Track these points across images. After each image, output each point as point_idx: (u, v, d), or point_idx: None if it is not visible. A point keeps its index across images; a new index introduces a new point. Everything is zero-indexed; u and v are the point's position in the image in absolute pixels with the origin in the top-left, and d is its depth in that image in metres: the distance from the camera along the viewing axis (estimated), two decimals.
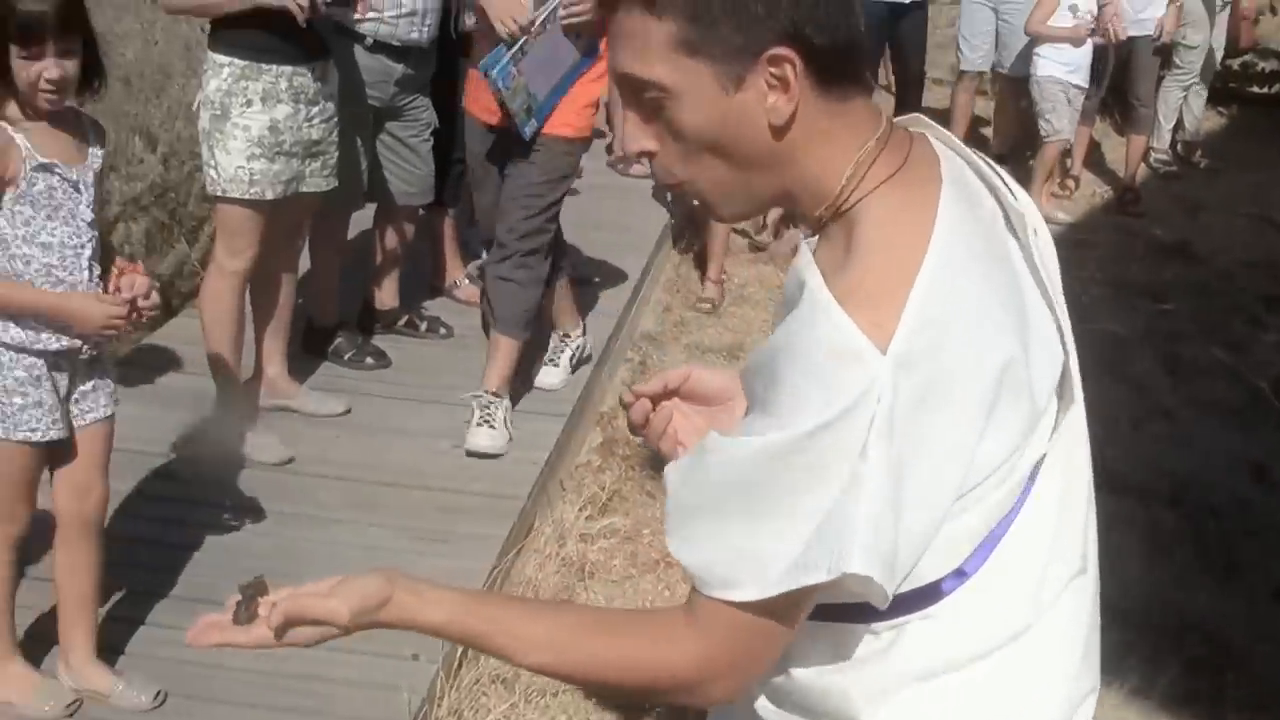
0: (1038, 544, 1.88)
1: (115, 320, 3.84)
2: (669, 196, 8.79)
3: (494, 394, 5.93)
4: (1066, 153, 10.57)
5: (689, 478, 1.82)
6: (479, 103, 5.91)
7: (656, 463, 6.19)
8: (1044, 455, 1.86)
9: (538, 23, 5.58)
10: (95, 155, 3.93)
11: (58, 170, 3.80)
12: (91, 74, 3.86)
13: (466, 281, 7.42)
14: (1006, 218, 1.91)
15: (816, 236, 1.87)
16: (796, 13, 1.75)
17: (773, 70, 1.76)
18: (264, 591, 1.97)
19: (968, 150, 1.96)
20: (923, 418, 1.69)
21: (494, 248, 6.02)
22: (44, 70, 3.70)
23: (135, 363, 6.12)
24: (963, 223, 1.79)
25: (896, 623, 1.85)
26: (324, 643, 1.98)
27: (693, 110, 1.80)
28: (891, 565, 1.71)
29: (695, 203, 1.94)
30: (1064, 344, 1.89)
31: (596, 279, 7.78)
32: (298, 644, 1.97)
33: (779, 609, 1.76)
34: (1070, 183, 10.65)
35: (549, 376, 6.54)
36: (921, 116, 1.99)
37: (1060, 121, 9.98)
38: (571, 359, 6.63)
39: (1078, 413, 1.91)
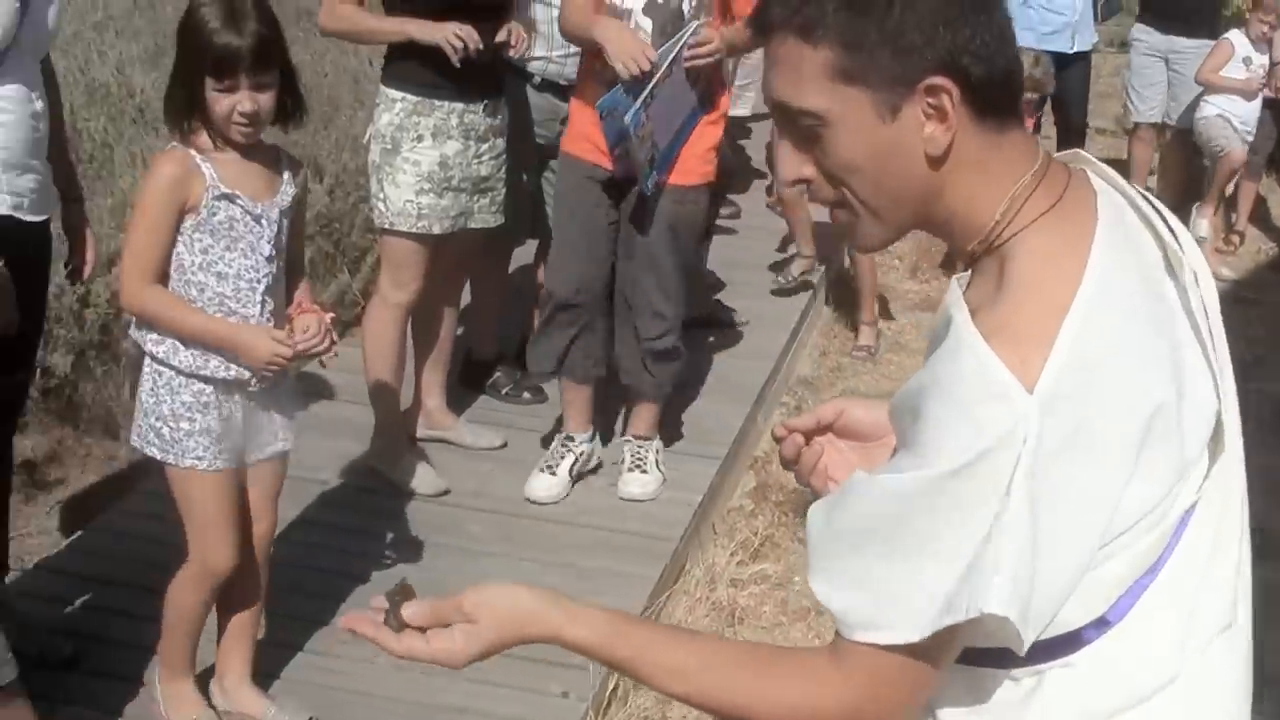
0: (1184, 594, 1.84)
1: (279, 359, 3.82)
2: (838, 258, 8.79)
3: (643, 438, 5.89)
4: (1231, 206, 10.37)
5: (832, 517, 1.82)
6: (588, 141, 5.51)
7: (809, 509, 6.14)
8: (1194, 503, 1.82)
9: (665, 64, 5.20)
10: (286, 191, 3.92)
11: (240, 202, 3.81)
12: (290, 105, 3.87)
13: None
14: (1166, 259, 1.87)
15: (969, 272, 1.86)
16: (954, 43, 1.75)
17: (930, 100, 1.77)
18: (410, 596, 2.01)
19: (1130, 188, 1.93)
20: (1068, 459, 1.67)
21: (638, 316, 5.63)
22: (238, 103, 3.70)
23: (305, 391, 6.19)
24: (1119, 262, 1.78)
25: (1036, 669, 1.82)
26: (471, 662, 1.99)
27: (848, 138, 1.81)
28: (1028, 609, 1.69)
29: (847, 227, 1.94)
30: (1218, 391, 1.85)
31: (750, 321, 7.75)
32: (445, 663, 1.99)
33: (925, 652, 1.74)
34: (1235, 238, 10.45)
35: (540, 486, 5.75)
36: (1081, 153, 1.98)
37: (1230, 143, 9.85)
38: (573, 469, 5.84)
39: (1232, 463, 1.87)
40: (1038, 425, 1.65)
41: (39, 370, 5.75)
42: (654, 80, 5.14)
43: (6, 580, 4.56)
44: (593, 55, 5.35)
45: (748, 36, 5.19)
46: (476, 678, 4.49)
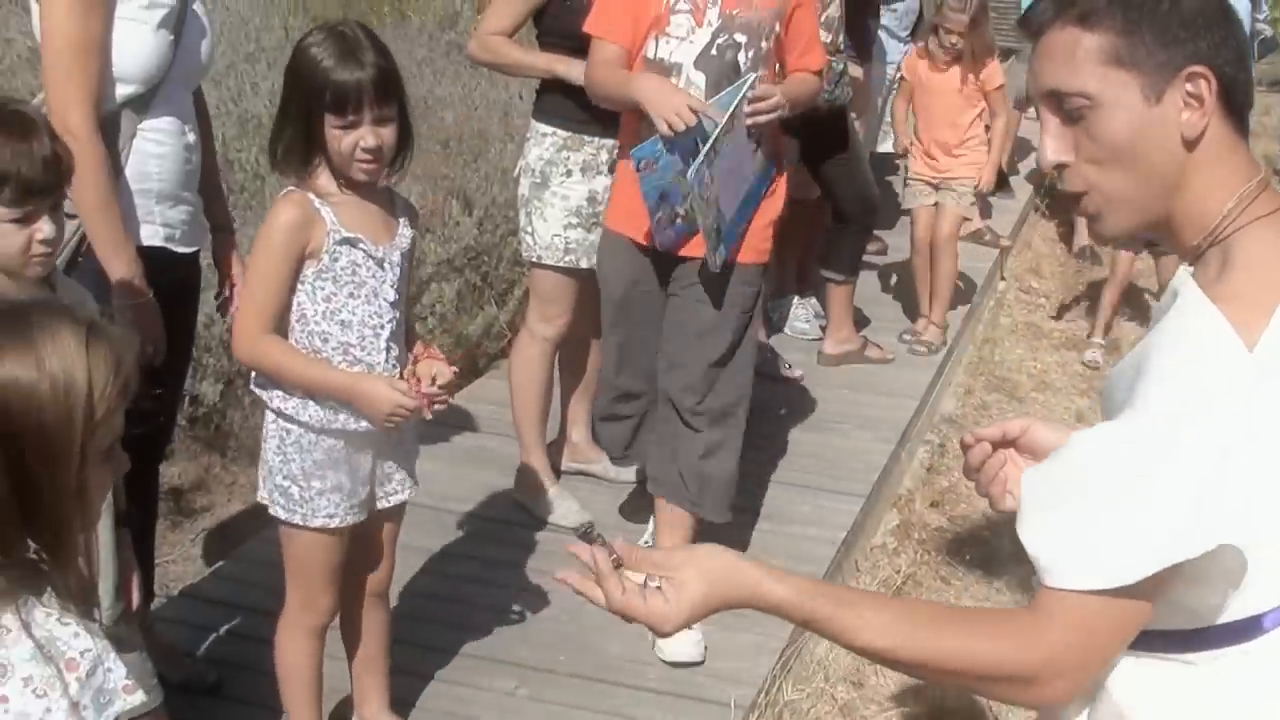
0: None
1: (403, 410, 3.69)
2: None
3: None
4: None
5: (1048, 473, 1.94)
6: (632, 219, 4.93)
7: (952, 547, 6.08)
8: None
9: (727, 116, 4.58)
10: (404, 235, 3.81)
11: (362, 246, 3.69)
12: (402, 143, 3.71)
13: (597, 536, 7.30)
14: None
15: (1193, 266, 2.00)
16: (1212, 40, 1.95)
17: (1189, 87, 1.95)
18: (595, 537, 2.13)
19: None
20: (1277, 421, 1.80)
21: (680, 412, 5.01)
22: (360, 139, 3.57)
23: (436, 420, 6.21)
24: None
25: (1213, 654, 1.90)
26: (678, 628, 2.10)
27: (1115, 119, 1.98)
28: (1246, 549, 1.80)
29: (1088, 215, 2.09)
30: None
31: (895, 357, 7.70)
32: (656, 624, 2.10)
33: (1130, 598, 1.83)
34: None
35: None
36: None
37: None
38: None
39: None
40: (1256, 380, 1.79)
41: (187, 399, 5.83)
42: (716, 132, 4.55)
43: (152, 606, 4.60)
44: (633, 117, 4.86)
45: (807, 90, 4.97)
46: (609, 709, 4.50)
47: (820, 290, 7.98)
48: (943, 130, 8.23)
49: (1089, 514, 1.84)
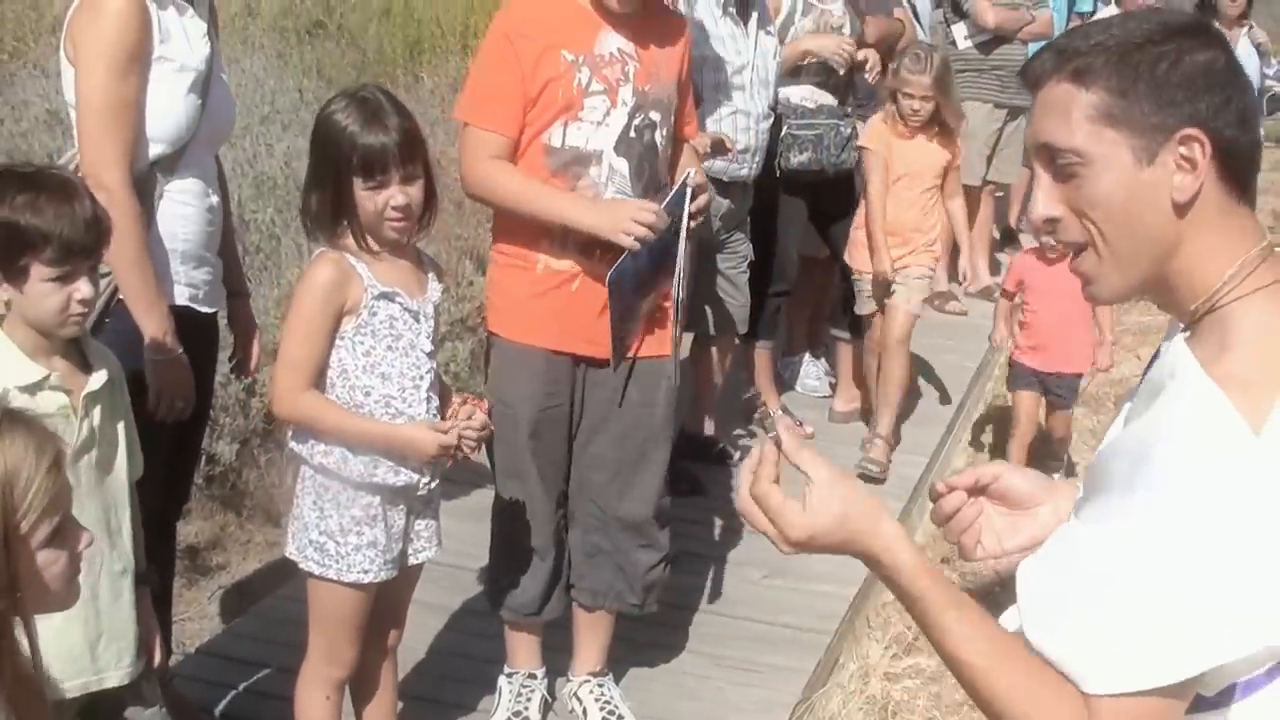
0: None
1: (447, 448, 3.78)
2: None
3: (602, 674, 4.95)
4: None
5: (1053, 571, 1.88)
6: (543, 325, 4.49)
7: None
8: None
9: (684, 226, 4.37)
10: (435, 288, 3.91)
11: (399, 300, 3.78)
12: (428, 200, 3.80)
13: (781, 413, 7.41)
14: None
15: (1189, 332, 1.96)
16: (1211, 102, 1.91)
17: (1183, 150, 1.91)
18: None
19: None
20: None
21: (633, 528, 4.70)
22: (390, 199, 3.68)
23: (450, 476, 6.26)
24: None
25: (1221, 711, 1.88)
26: (797, 549, 2.10)
27: (1105, 179, 1.96)
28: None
29: (1082, 276, 2.05)
30: None
31: (906, 416, 7.73)
32: (780, 530, 2.10)
33: (1173, 693, 1.80)
34: None
35: None
36: None
37: None
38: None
39: None
40: (1269, 466, 1.76)
41: (205, 458, 5.87)
42: (683, 230, 4.36)
43: (170, 664, 4.63)
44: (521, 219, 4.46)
45: (698, 164, 4.75)
46: None
47: (830, 348, 8.03)
48: (906, 211, 7.14)
49: (1121, 618, 1.80)
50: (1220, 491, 1.76)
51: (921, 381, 8.23)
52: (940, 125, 7.10)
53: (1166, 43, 1.95)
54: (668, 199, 4.36)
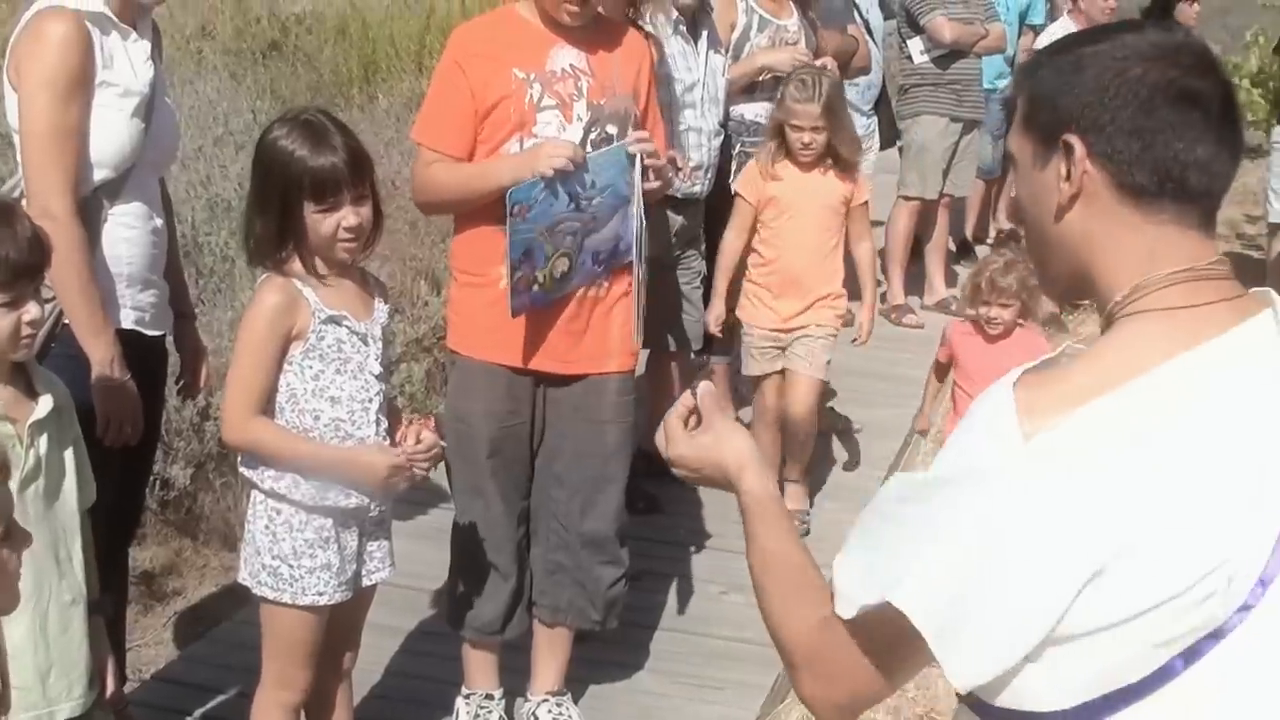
0: None
1: (399, 470, 3.78)
2: None
3: (560, 693, 4.91)
4: None
5: (869, 504, 1.98)
6: (504, 342, 4.49)
7: None
8: (1200, 646, 1.79)
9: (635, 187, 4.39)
10: (381, 309, 3.90)
11: (347, 323, 3.77)
12: (375, 220, 3.80)
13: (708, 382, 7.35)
14: None
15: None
16: (1098, 108, 1.90)
17: (1065, 155, 1.92)
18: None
19: None
20: (1040, 518, 1.75)
21: (594, 546, 4.71)
22: (342, 219, 3.67)
23: (405, 498, 6.25)
24: (1204, 381, 1.81)
25: None
26: (689, 471, 2.37)
27: (1020, 179, 2.03)
28: (951, 632, 1.79)
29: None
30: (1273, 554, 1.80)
31: (862, 429, 7.75)
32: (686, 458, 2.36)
33: (856, 632, 1.91)
34: None
35: None
36: (1272, 292, 1.99)
37: None
38: None
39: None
40: (1022, 473, 1.76)
41: (159, 482, 5.85)
42: (635, 198, 4.40)
43: (124, 691, 4.60)
44: (476, 233, 4.49)
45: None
46: None
47: None
48: (800, 257, 6.34)
49: (860, 547, 1.91)
50: (963, 471, 1.81)
51: (879, 394, 8.23)
52: (835, 157, 6.30)
53: (1089, 48, 1.96)
54: (601, 151, 4.38)
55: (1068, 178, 1.92)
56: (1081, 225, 1.93)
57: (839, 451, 7.44)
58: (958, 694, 1.94)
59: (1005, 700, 1.87)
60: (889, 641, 1.89)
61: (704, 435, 2.33)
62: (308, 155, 3.65)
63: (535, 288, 4.36)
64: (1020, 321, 5.98)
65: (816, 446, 7.28)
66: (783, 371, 6.42)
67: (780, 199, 6.29)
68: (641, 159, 4.40)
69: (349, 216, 3.69)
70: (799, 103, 6.16)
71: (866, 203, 6.49)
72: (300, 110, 3.88)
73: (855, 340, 6.55)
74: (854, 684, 1.98)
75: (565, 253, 4.38)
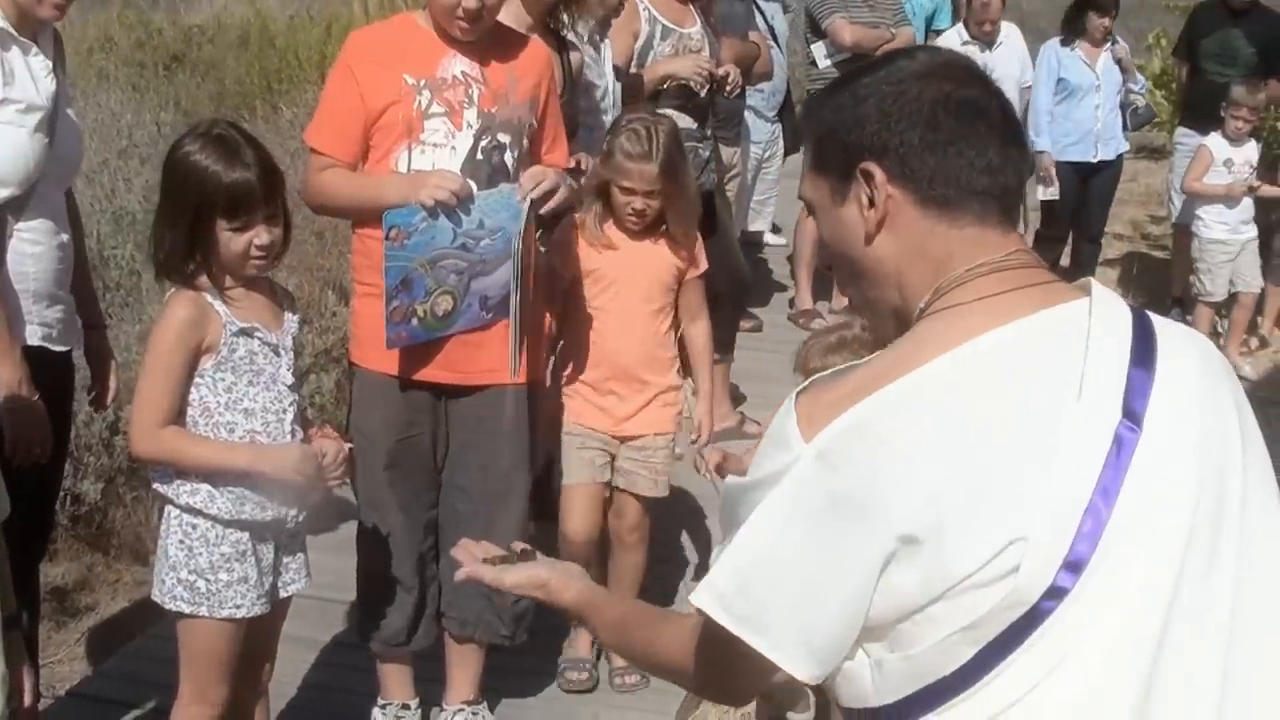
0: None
1: (309, 463, 3.76)
2: None
3: (476, 703, 4.90)
4: (1259, 308, 10.15)
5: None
6: (398, 353, 4.47)
7: None
8: (1012, 636, 1.82)
9: (524, 220, 4.33)
10: (291, 319, 3.90)
11: (258, 334, 3.77)
12: (285, 234, 3.80)
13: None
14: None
15: None
16: (887, 134, 1.96)
17: (865, 184, 1.97)
18: (530, 558, 2.59)
19: (1156, 322, 1.98)
20: (828, 512, 1.83)
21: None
22: (254, 238, 3.66)
23: (318, 510, 6.22)
24: (991, 366, 1.87)
25: None
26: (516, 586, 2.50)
27: (821, 221, 2.07)
28: (755, 623, 1.88)
29: None
30: (1089, 532, 1.83)
31: None
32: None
33: (710, 626, 1.95)
34: (1253, 341, 10.19)
35: None
36: (1093, 280, 2.04)
37: (1213, 284, 9.64)
38: None
39: (1115, 611, 1.84)
40: (811, 473, 1.83)
41: (69, 498, 5.80)
42: (515, 242, 4.33)
43: (39, 708, 4.57)
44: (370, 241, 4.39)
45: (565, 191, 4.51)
46: None
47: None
48: (626, 342, 5.13)
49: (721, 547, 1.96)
50: (758, 479, 1.89)
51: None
52: (671, 228, 5.15)
53: (861, 80, 2.03)
54: (492, 191, 4.31)
55: (871, 205, 1.98)
56: (891, 247, 1.99)
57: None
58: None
59: (847, 698, 1.96)
60: (720, 632, 1.93)
61: (515, 574, 2.50)
62: (221, 171, 3.63)
63: (415, 321, 4.32)
64: None
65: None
66: (607, 483, 5.19)
67: (602, 271, 5.11)
68: (532, 205, 4.34)
69: (261, 234, 3.68)
70: (632, 160, 4.95)
71: (703, 275, 5.34)
72: (211, 123, 3.84)
73: (694, 440, 5.26)
74: (725, 669, 2.03)
75: (448, 290, 4.32)
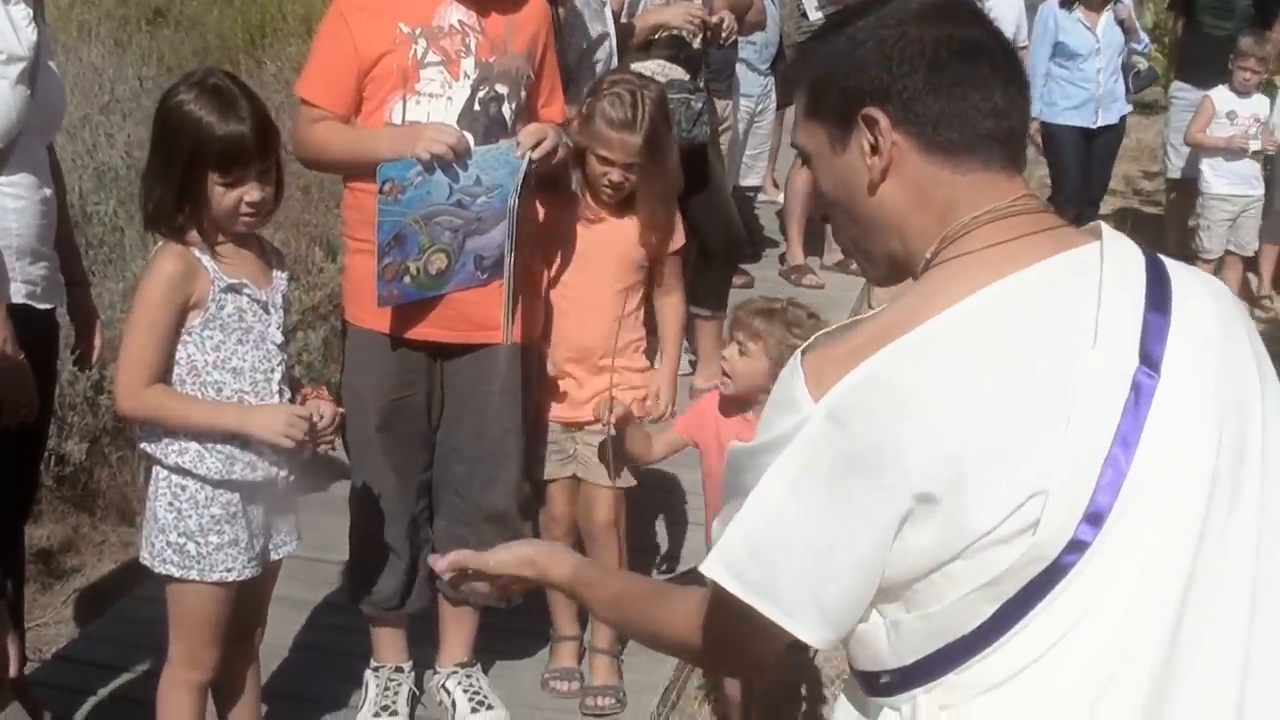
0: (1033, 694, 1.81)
1: (298, 425, 3.63)
2: None
3: (469, 665, 4.81)
4: (1252, 268, 10.08)
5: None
6: (391, 310, 4.36)
7: None
8: (1033, 592, 1.77)
9: (522, 169, 4.22)
10: (280, 276, 3.81)
11: (247, 291, 3.68)
12: (277, 192, 3.72)
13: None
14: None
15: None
16: (889, 77, 1.89)
17: (867, 130, 1.90)
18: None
19: (1169, 265, 1.94)
20: (841, 472, 1.77)
21: (498, 522, 4.54)
22: (245, 194, 3.57)
23: (309, 469, 6.16)
24: (1004, 314, 1.81)
25: (909, 696, 1.86)
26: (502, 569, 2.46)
27: (819, 170, 2.00)
28: (766, 592, 1.82)
29: None
30: (1110, 482, 1.77)
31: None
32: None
33: (720, 594, 1.89)
34: (1265, 302, 10.00)
35: None
36: (1104, 225, 2.00)
37: (1210, 240, 9.63)
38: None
39: (1136, 562, 1.79)
40: (822, 433, 1.77)
41: (53, 458, 5.74)
42: (512, 198, 4.21)
43: (25, 672, 4.51)
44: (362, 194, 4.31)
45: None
46: None
47: (689, 326, 7.98)
48: (589, 330, 4.81)
49: (726, 514, 1.89)
50: (766, 442, 1.82)
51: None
52: (650, 204, 4.78)
53: (855, 24, 1.96)
54: (490, 147, 4.21)
55: (875, 152, 1.91)
56: (894, 196, 1.92)
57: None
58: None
59: (862, 662, 1.90)
60: (731, 600, 1.88)
61: (500, 555, 2.46)
62: (216, 123, 3.53)
63: (406, 279, 4.23)
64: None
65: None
66: (573, 475, 4.91)
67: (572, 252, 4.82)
68: (530, 163, 4.24)
69: (252, 191, 3.59)
70: (614, 128, 4.61)
71: (680, 249, 5.06)
72: (206, 72, 3.73)
73: (645, 402, 4.86)
74: (739, 637, 1.97)
75: (443, 249, 4.23)
